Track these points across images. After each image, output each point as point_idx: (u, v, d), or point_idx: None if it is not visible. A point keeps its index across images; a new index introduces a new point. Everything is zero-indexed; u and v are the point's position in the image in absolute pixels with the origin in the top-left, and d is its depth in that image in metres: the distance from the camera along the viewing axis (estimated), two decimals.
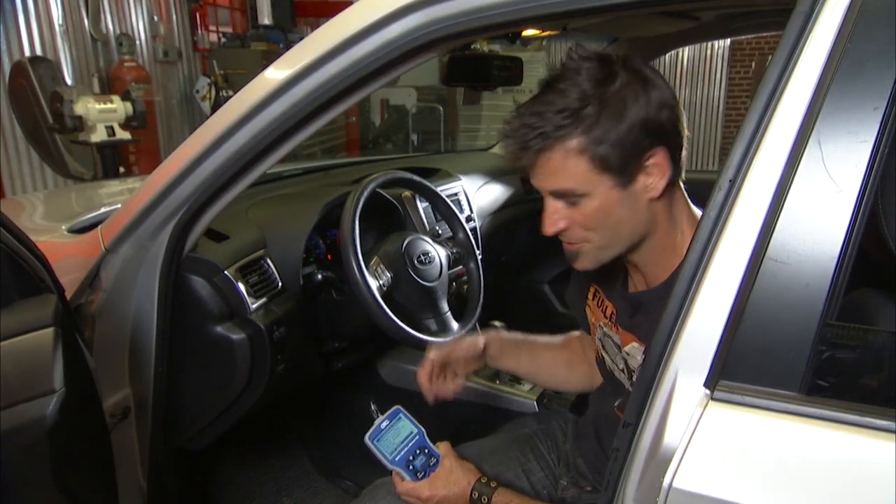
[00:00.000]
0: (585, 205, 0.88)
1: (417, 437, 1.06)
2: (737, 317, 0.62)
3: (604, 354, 1.10)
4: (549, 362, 1.25)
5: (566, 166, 0.86)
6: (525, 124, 0.87)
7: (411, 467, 1.04)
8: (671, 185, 0.90)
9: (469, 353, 1.18)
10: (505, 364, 1.23)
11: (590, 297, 1.14)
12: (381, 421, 1.07)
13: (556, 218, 0.91)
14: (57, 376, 0.86)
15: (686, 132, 0.91)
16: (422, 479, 1.03)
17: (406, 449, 1.05)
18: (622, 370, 1.04)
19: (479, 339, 1.19)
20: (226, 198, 1.16)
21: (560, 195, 0.90)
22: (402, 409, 1.09)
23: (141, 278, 1.22)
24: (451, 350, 1.17)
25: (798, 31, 0.63)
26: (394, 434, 1.06)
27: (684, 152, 0.92)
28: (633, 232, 0.92)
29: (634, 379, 0.97)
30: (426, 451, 1.06)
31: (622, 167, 0.86)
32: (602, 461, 1.09)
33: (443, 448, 1.07)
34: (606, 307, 1.08)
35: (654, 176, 0.88)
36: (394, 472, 1.05)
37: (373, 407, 1.10)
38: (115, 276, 1.22)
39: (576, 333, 1.29)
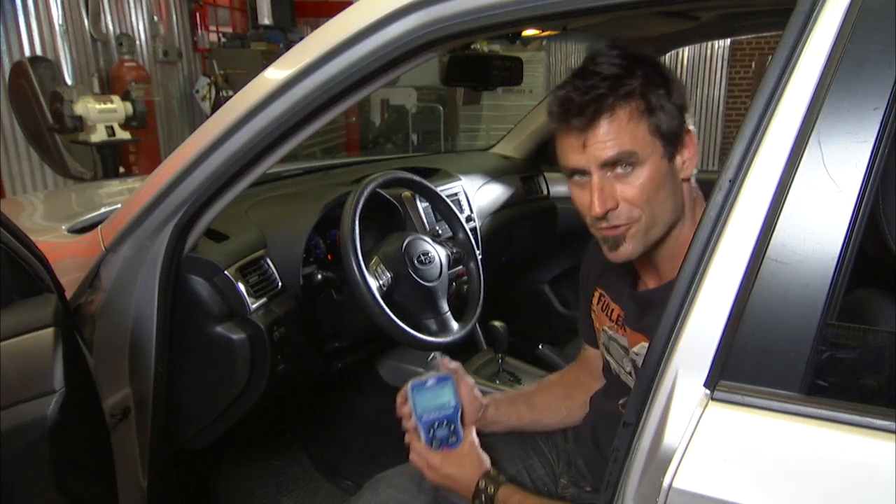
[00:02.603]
0: (637, 175, 0.88)
1: (452, 410, 1.07)
2: (737, 317, 0.62)
3: (609, 359, 1.10)
4: (547, 403, 1.23)
5: (629, 128, 0.87)
6: (590, 85, 0.86)
7: (432, 433, 1.05)
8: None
9: (468, 405, 1.12)
10: (506, 421, 1.19)
11: (594, 301, 1.14)
12: (430, 378, 1.08)
13: (606, 195, 0.88)
14: (57, 376, 0.86)
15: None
16: (436, 449, 1.04)
17: (437, 415, 1.06)
18: (629, 373, 1.03)
19: (482, 399, 1.16)
20: (226, 198, 1.16)
21: (614, 163, 0.88)
22: (453, 379, 1.10)
23: (141, 278, 1.22)
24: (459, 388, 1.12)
25: (798, 31, 0.63)
26: (434, 395, 1.07)
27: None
28: (673, 212, 0.93)
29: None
30: (453, 427, 1.06)
31: (670, 137, 0.89)
32: (599, 464, 1.09)
33: (468, 433, 1.07)
34: (612, 310, 1.07)
35: (688, 150, 0.91)
36: (413, 431, 1.06)
37: (432, 357, 1.12)
38: (115, 276, 1.22)
39: (564, 368, 1.31)
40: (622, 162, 0.88)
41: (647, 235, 0.92)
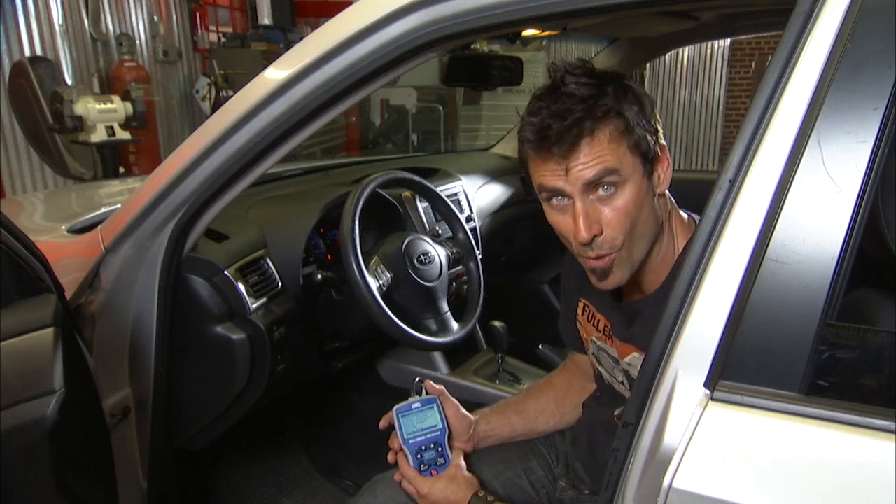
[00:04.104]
0: (619, 196, 0.87)
1: (439, 433, 1.08)
2: (737, 317, 0.62)
3: (600, 369, 1.09)
4: (539, 408, 1.22)
5: (611, 147, 0.85)
6: (566, 109, 0.84)
7: (420, 456, 1.05)
8: None
9: (457, 425, 1.11)
10: (499, 434, 1.18)
11: (579, 312, 1.13)
12: (415, 401, 1.09)
13: (591, 220, 0.87)
14: (57, 376, 0.86)
15: None
16: (425, 472, 1.05)
17: (424, 438, 1.06)
18: (622, 382, 1.03)
19: (470, 416, 1.15)
20: (226, 198, 1.16)
21: (596, 185, 0.86)
22: (438, 401, 1.10)
23: (141, 278, 1.22)
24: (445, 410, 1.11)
25: (798, 31, 0.63)
26: (420, 419, 1.07)
27: None
28: (654, 230, 0.93)
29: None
30: (440, 449, 1.07)
31: (647, 153, 0.88)
32: (595, 469, 1.09)
33: (455, 455, 1.08)
34: (598, 321, 1.06)
35: (662, 165, 0.91)
36: (400, 453, 1.06)
37: (416, 380, 1.12)
38: (115, 276, 1.22)
39: (553, 371, 1.30)
40: (604, 183, 0.86)
41: (632, 259, 0.91)
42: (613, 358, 1.03)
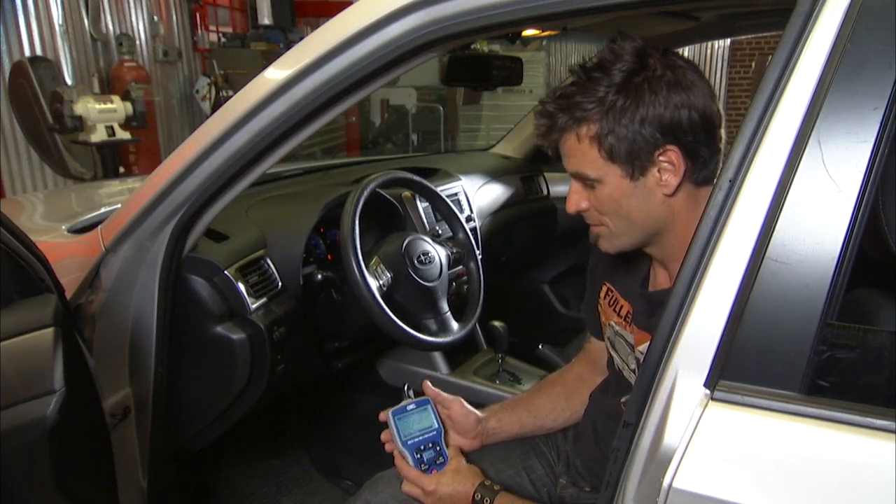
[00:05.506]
0: (599, 190, 0.92)
1: (435, 433, 1.09)
2: (737, 317, 0.62)
3: (613, 354, 1.10)
4: (549, 405, 1.21)
5: (580, 150, 0.91)
6: (555, 106, 0.91)
7: (419, 456, 1.06)
8: (694, 183, 0.91)
9: (463, 421, 1.12)
10: (509, 430, 1.18)
11: (601, 296, 1.13)
12: (409, 403, 1.10)
13: (576, 198, 0.95)
14: (57, 376, 0.86)
15: (722, 135, 0.91)
16: (426, 471, 1.05)
17: (421, 438, 1.07)
18: (633, 370, 1.03)
19: (477, 412, 1.15)
20: (226, 198, 1.16)
21: (577, 177, 0.94)
22: (432, 402, 1.11)
23: (141, 278, 1.22)
24: (448, 409, 1.12)
25: (798, 31, 0.63)
26: (416, 420, 1.09)
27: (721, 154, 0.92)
28: (647, 225, 0.93)
29: None
30: (438, 448, 1.08)
31: (630, 160, 0.88)
32: (599, 464, 1.09)
33: (453, 450, 1.09)
34: (621, 306, 1.07)
35: (667, 172, 0.89)
36: (399, 456, 1.07)
37: (406, 386, 1.13)
38: (115, 276, 1.22)
39: (564, 367, 1.31)
40: (581, 177, 0.93)
41: (618, 240, 0.96)
42: (629, 344, 1.04)
